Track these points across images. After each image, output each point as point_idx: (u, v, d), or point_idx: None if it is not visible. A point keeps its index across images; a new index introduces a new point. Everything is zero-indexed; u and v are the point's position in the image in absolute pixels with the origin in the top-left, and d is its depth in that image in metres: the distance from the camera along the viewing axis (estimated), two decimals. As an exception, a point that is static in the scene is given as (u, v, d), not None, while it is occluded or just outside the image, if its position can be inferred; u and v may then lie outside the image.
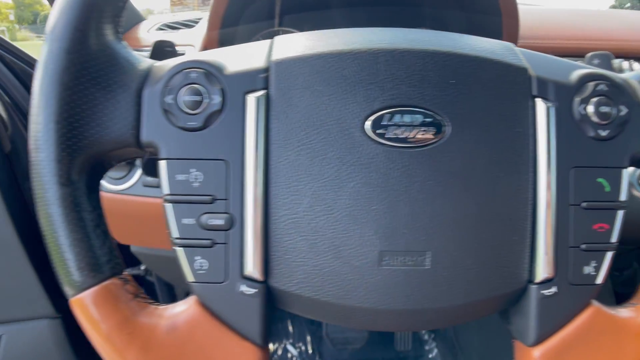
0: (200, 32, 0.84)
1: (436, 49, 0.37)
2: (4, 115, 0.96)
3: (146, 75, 0.38)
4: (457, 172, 0.36)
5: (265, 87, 0.37)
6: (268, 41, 0.40)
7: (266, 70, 0.37)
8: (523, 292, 0.38)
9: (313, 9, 0.97)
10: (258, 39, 0.98)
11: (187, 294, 0.39)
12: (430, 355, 1.35)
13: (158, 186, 0.70)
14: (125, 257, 0.88)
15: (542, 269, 0.37)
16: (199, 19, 0.95)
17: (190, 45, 0.85)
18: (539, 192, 0.37)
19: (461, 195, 0.36)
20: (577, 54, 0.80)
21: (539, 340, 0.38)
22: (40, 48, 0.35)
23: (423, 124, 0.36)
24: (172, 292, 1.16)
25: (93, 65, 0.35)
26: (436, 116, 0.36)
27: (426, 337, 1.37)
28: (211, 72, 0.37)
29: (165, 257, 0.84)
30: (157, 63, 0.39)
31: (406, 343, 1.35)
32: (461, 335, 1.27)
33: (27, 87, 1.04)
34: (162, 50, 0.49)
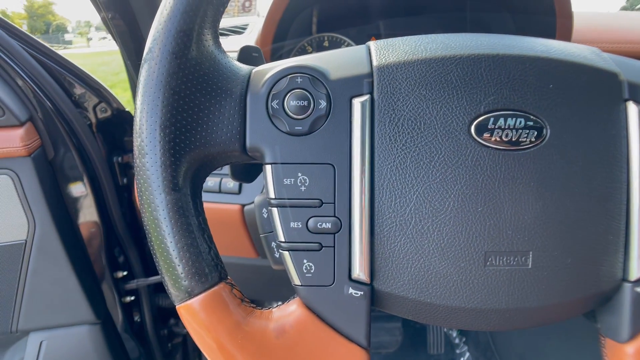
0: (250, 38, 0.86)
1: (534, 54, 0.38)
2: (46, 122, 0.97)
3: (247, 81, 0.39)
4: (557, 174, 0.37)
5: (370, 92, 0.37)
6: (363, 47, 0.41)
7: (370, 75, 0.38)
8: (617, 290, 0.38)
9: (353, 17, 0.98)
10: (304, 46, 1.00)
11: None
12: (462, 359, 1.34)
13: (238, 192, 0.71)
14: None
15: (637, 267, 0.37)
16: (246, 25, 0.96)
17: (239, 52, 0.86)
18: (633, 193, 0.37)
19: (561, 195, 0.37)
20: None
21: (632, 337, 0.38)
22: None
23: (525, 127, 0.37)
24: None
25: (198, 70, 0.36)
26: (537, 120, 0.37)
27: (457, 340, 1.37)
28: (316, 78, 0.38)
29: (235, 265, 0.84)
30: (257, 68, 0.40)
31: (439, 347, 1.35)
32: (498, 339, 1.26)
33: (68, 92, 1.06)
34: (249, 55, 0.50)
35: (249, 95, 0.38)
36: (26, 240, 0.95)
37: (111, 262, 1.13)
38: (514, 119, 0.36)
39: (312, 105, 0.37)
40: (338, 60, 0.40)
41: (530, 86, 0.37)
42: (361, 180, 0.36)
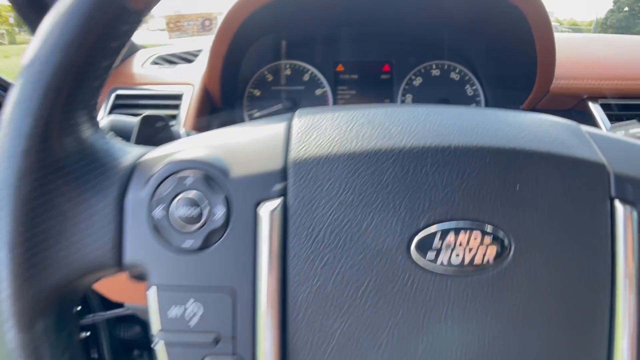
0: (200, 67, 0.77)
1: (497, 144, 0.30)
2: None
3: (129, 175, 0.30)
4: (522, 303, 0.29)
5: (283, 195, 0.29)
6: (283, 126, 0.33)
7: (284, 172, 0.29)
8: None
9: (321, 42, 0.89)
10: (263, 74, 0.92)
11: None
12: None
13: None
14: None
15: None
16: (199, 51, 0.87)
17: (189, 84, 0.78)
18: (618, 323, 0.29)
19: (526, 330, 0.29)
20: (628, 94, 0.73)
21: None
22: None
23: (482, 244, 0.28)
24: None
25: (61, 168, 0.28)
26: (498, 234, 0.28)
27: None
28: (212, 176, 0.29)
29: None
30: (144, 158, 0.31)
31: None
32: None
33: None
34: (151, 127, 0.41)
35: (129, 197, 0.29)
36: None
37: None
38: (467, 234, 0.28)
39: (205, 213, 0.28)
40: (243, 149, 0.31)
41: (490, 189, 0.29)
42: (269, 310, 0.28)
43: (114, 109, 0.80)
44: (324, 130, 0.32)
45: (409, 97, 0.89)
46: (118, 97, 0.80)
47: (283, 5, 0.66)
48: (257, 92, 0.89)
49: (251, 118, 0.88)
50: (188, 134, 0.51)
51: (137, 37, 1.03)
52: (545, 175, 0.30)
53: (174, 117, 0.75)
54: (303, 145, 0.30)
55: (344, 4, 0.71)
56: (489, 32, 0.77)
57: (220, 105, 0.80)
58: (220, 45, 0.67)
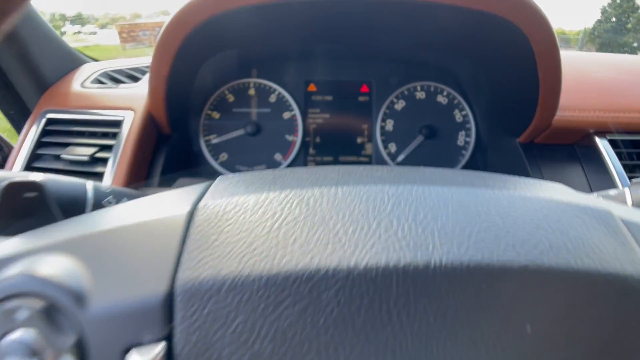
0: (146, 88, 0.65)
1: (502, 262, 0.19)
2: None
3: None
4: None
5: (168, 339, 0.18)
6: (181, 221, 0.22)
7: (168, 302, 0.18)
8: None
9: (291, 58, 0.78)
10: (224, 94, 0.80)
11: None
12: None
13: None
14: None
15: None
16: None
17: (130, 109, 0.66)
18: None
19: None
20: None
21: None
22: None
23: None
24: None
25: None
26: None
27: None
28: (58, 308, 0.18)
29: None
30: None
31: None
32: None
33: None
34: (17, 201, 0.30)
35: None
36: None
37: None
38: None
39: None
40: (114, 259, 0.20)
41: (488, 335, 0.18)
42: None
43: (44, 135, 0.67)
44: (238, 229, 0.21)
45: (389, 122, 0.78)
46: (49, 121, 0.68)
47: (237, 18, 0.55)
48: (215, 115, 0.78)
49: (209, 144, 0.77)
50: (95, 192, 0.39)
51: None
52: (580, 302, 0.19)
53: (110, 147, 0.63)
54: (201, 258, 0.19)
55: (315, 16, 0.60)
56: (483, 53, 0.66)
57: (169, 132, 0.68)
58: (160, 66, 0.56)
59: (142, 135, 0.64)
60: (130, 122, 0.64)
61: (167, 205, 0.25)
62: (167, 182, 0.67)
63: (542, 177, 0.64)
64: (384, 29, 0.66)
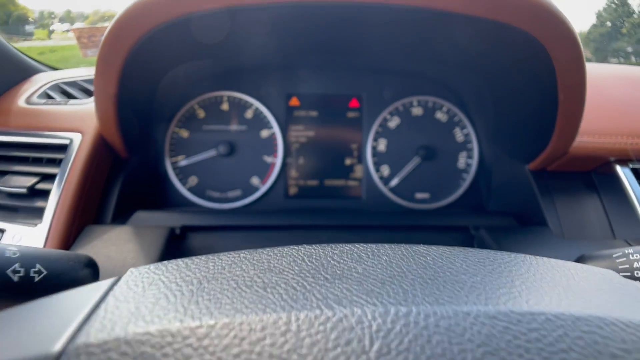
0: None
1: None
2: None
3: None
4: None
5: None
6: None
7: None
8: None
9: (270, 69, 0.69)
10: (193, 109, 0.70)
11: None
12: None
13: None
14: None
15: None
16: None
17: (78, 131, 0.56)
18: None
19: None
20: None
21: None
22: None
23: None
24: None
25: None
26: None
27: None
28: None
29: None
30: None
31: None
32: None
33: None
34: None
35: None
36: None
37: None
38: None
39: None
40: None
41: None
42: None
43: (-20, 158, 0.58)
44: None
45: (382, 141, 0.69)
46: (-15, 143, 0.58)
47: (200, 24, 0.46)
48: (184, 133, 0.68)
49: (176, 167, 0.67)
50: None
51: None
52: None
53: (53, 177, 0.53)
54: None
55: (298, 23, 0.51)
56: (491, 66, 0.57)
57: (126, 156, 0.58)
58: (105, 83, 0.46)
59: (91, 161, 0.54)
60: (77, 147, 0.55)
61: (33, 334, 0.17)
62: (123, 216, 0.57)
63: (555, 209, 0.55)
64: (379, 40, 0.57)
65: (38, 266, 0.32)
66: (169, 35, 0.46)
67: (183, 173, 0.68)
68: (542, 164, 0.56)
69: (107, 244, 0.48)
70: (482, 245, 0.53)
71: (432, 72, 0.69)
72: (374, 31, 0.53)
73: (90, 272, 0.36)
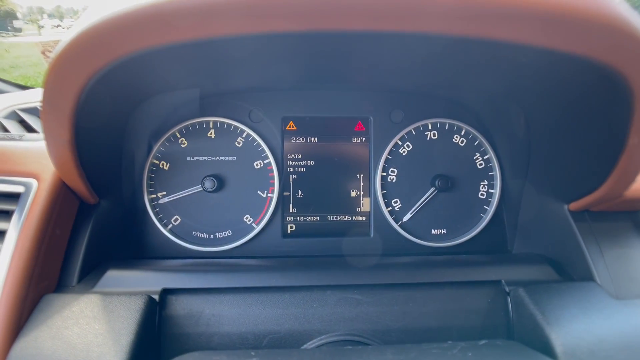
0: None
1: None
2: None
3: None
4: None
5: None
6: None
7: None
8: None
9: (262, 89, 0.60)
10: (174, 137, 0.60)
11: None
12: None
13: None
14: None
15: None
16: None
17: (32, 176, 0.47)
18: None
19: None
20: None
21: None
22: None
23: None
24: None
25: None
26: None
27: None
28: None
29: None
30: None
31: None
32: None
33: None
34: None
35: None
36: None
37: None
38: None
39: None
40: None
41: None
42: None
43: None
44: None
45: (392, 172, 0.60)
46: None
47: (169, 55, 0.37)
48: (164, 165, 0.59)
49: (155, 206, 0.58)
50: None
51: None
52: None
53: (2, 233, 0.44)
54: None
55: (293, 54, 0.41)
56: (532, 96, 0.48)
57: (94, 201, 0.49)
58: (56, 127, 0.37)
59: (50, 213, 0.45)
60: (32, 196, 0.45)
61: None
62: (90, 275, 0.48)
63: (603, 259, 0.47)
64: (395, 61, 0.47)
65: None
66: (134, 69, 0.37)
67: (164, 212, 0.59)
68: (587, 206, 0.48)
69: (69, 322, 0.40)
70: (519, 305, 0.44)
71: (447, 92, 0.60)
72: (391, 54, 0.44)
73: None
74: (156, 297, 0.44)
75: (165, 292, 0.46)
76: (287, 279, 0.47)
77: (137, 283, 0.46)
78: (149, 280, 0.47)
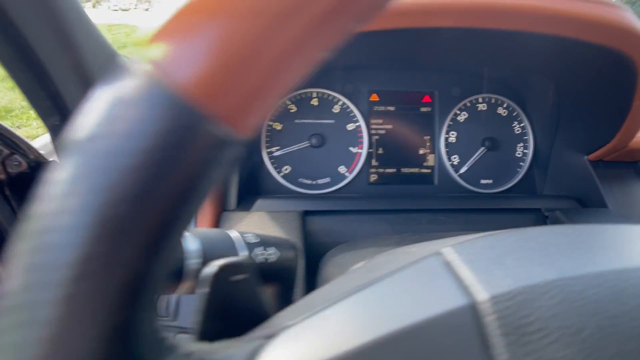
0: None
1: None
2: None
3: None
4: None
5: None
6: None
7: None
8: None
9: (354, 69, 0.76)
10: (285, 104, 0.77)
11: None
12: None
13: None
14: None
15: None
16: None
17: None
18: None
19: None
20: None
21: None
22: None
23: None
24: None
25: None
26: None
27: None
28: None
29: None
30: None
31: None
32: None
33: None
34: (224, 286, 0.26)
35: None
36: None
37: None
38: None
39: None
40: None
41: None
42: None
43: None
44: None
45: (452, 134, 0.78)
46: None
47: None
48: (278, 126, 0.75)
49: (271, 157, 0.75)
50: (247, 245, 0.37)
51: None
52: None
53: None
54: None
55: (397, 41, 0.58)
56: (563, 73, 0.67)
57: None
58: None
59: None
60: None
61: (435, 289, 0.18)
62: (245, 202, 0.65)
63: (614, 194, 0.67)
64: (455, 47, 0.65)
65: (273, 249, 0.39)
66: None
67: (278, 162, 0.75)
68: (601, 156, 0.67)
69: (254, 229, 0.56)
70: (556, 224, 0.64)
71: (495, 73, 0.78)
72: (453, 41, 0.62)
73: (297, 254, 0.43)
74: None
75: (306, 213, 0.63)
76: (391, 204, 0.65)
77: (284, 207, 0.63)
78: (291, 205, 0.64)
